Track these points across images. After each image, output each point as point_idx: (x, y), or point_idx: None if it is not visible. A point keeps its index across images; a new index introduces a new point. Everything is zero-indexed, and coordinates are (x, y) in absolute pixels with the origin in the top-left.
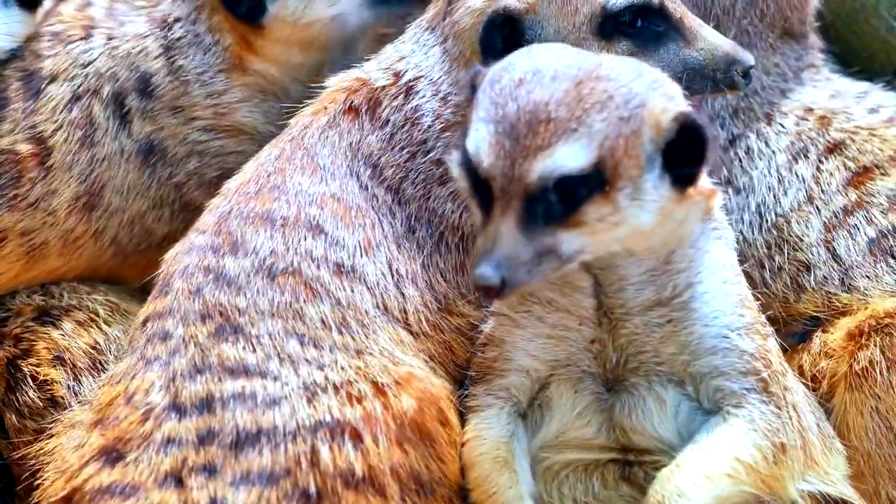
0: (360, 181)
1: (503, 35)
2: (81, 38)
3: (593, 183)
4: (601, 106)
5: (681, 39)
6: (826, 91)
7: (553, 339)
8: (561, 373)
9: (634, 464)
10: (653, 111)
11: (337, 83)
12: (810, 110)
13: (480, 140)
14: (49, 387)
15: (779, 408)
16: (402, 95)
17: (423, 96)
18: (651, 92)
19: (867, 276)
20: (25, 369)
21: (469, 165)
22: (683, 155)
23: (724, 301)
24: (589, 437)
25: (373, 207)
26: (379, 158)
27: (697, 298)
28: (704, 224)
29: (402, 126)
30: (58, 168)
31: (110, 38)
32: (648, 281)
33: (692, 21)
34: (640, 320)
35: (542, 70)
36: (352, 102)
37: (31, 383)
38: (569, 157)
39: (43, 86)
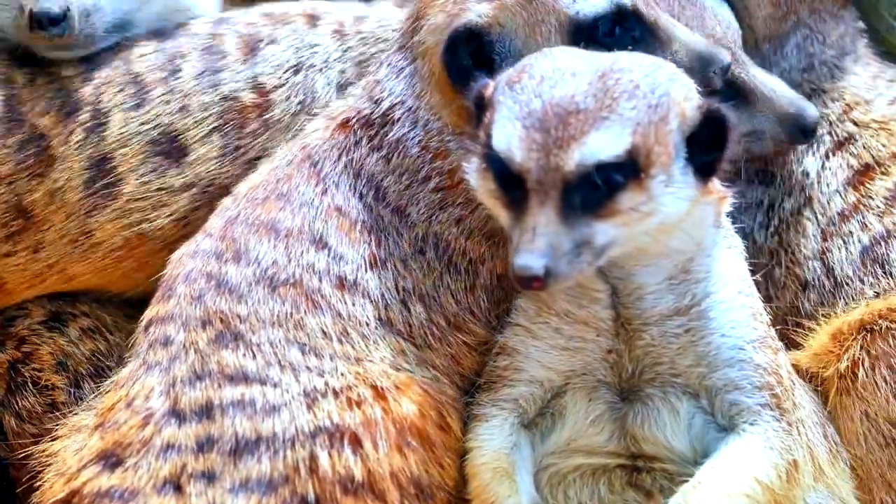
0: (365, 201)
1: (471, 51)
2: (306, 24)
3: (628, 170)
4: (629, 95)
5: (656, 42)
6: (868, 71)
7: (569, 351)
8: (576, 382)
9: (643, 470)
10: (677, 100)
11: (340, 104)
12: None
13: (510, 136)
14: (50, 392)
15: (790, 424)
16: (386, 123)
17: (404, 125)
18: (672, 82)
19: (851, 296)
20: (27, 374)
21: (498, 163)
22: (705, 145)
23: (738, 312)
24: (600, 445)
25: (379, 226)
26: (381, 181)
27: (714, 308)
28: (716, 231)
29: (395, 151)
30: (274, 127)
31: (340, 33)
32: (667, 290)
33: (666, 22)
34: (658, 331)
35: (560, 68)
36: (346, 121)
37: (32, 388)
38: (603, 144)
39: (263, 46)
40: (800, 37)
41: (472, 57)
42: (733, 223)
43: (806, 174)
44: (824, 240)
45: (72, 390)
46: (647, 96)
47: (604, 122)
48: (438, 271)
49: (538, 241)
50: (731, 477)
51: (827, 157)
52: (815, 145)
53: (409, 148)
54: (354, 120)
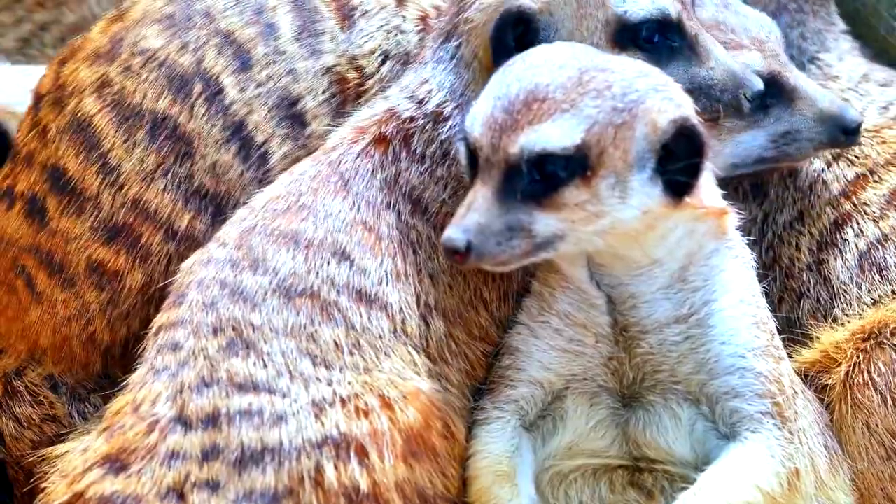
0: (400, 215)
1: (516, 35)
2: (395, 7)
3: (575, 166)
4: (597, 93)
5: (693, 57)
6: (857, 72)
7: (569, 354)
8: (577, 387)
9: (644, 470)
10: (650, 109)
11: (369, 114)
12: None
13: (478, 112)
14: (48, 408)
15: (791, 433)
16: (430, 125)
17: (456, 123)
18: (654, 92)
19: (848, 303)
20: (20, 386)
21: (465, 139)
22: (681, 162)
23: (740, 320)
24: (602, 449)
25: (410, 239)
26: (421, 194)
27: (714, 316)
28: (719, 242)
29: (442, 160)
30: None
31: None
32: (663, 298)
33: (706, 40)
34: (656, 339)
35: (554, 59)
36: (382, 134)
37: (29, 398)
38: (553, 134)
39: (357, 16)
40: (783, 25)
41: (517, 41)
42: None
43: (798, 188)
44: (819, 250)
45: (72, 403)
46: (616, 98)
47: (562, 115)
48: (476, 283)
49: (468, 217)
50: (732, 484)
51: (822, 169)
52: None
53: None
54: (392, 131)
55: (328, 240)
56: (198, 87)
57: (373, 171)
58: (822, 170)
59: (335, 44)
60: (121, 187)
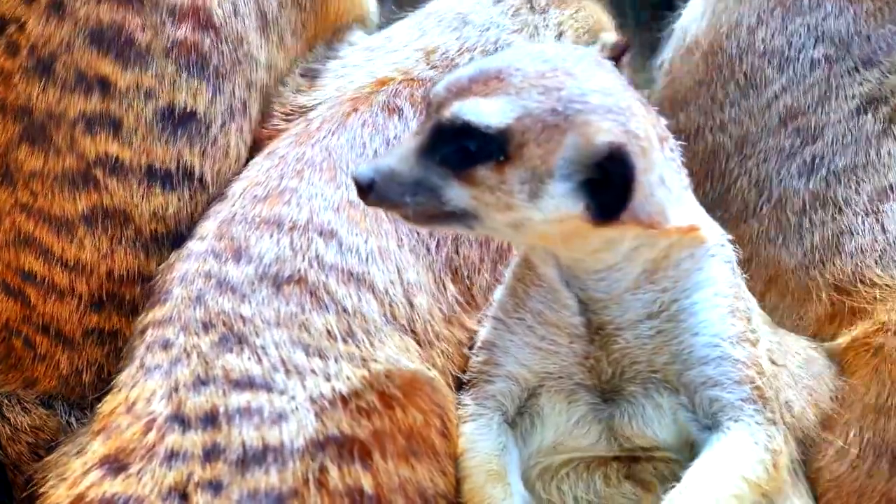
0: None
1: None
2: None
3: (492, 147)
4: (545, 90)
5: None
6: None
7: (542, 352)
8: (552, 384)
9: (641, 460)
10: (589, 122)
11: (371, 77)
12: None
13: (453, 73)
14: (38, 420)
15: (773, 412)
16: None
17: None
18: (606, 112)
19: None
20: (12, 400)
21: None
22: (615, 190)
23: (713, 311)
24: (589, 446)
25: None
26: None
27: (685, 310)
28: (693, 249)
29: None
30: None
31: None
32: (633, 299)
33: None
34: (631, 334)
35: (546, 52)
36: (391, 103)
37: (20, 409)
38: (485, 111)
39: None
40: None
41: None
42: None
43: (857, 140)
44: (880, 201)
45: (70, 411)
46: (561, 101)
47: (505, 97)
48: (444, 251)
49: (383, 160)
50: (718, 479)
51: (891, 121)
52: (877, 108)
53: None
54: (405, 100)
55: (314, 220)
56: (98, 173)
57: (370, 142)
58: (886, 128)
59: (152, 31)
60: (91, 272)
